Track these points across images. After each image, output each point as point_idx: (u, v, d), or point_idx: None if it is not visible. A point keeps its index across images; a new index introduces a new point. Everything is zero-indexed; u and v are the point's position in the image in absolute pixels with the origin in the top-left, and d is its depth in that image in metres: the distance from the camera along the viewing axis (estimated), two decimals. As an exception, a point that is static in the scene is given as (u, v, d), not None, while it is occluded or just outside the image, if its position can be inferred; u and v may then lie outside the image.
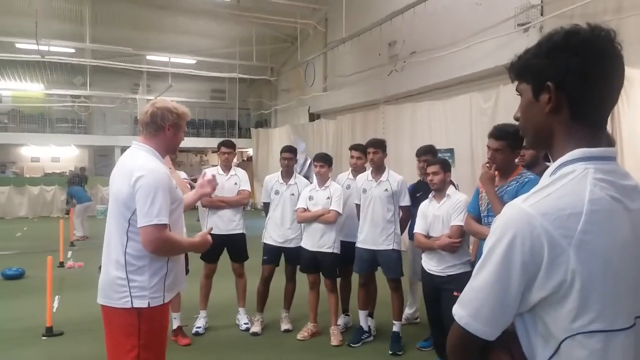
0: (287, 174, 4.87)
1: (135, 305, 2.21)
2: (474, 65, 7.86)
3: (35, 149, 19.68)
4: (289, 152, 4.90)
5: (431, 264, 3.69)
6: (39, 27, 11.95)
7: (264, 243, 4.85)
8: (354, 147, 4.86)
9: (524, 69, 1.07)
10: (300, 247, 4.69)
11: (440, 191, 3.75)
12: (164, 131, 2.36)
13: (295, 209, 4.67)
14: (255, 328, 4.78)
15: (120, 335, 2.25)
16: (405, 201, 4.41)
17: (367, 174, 4.52)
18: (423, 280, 3.92)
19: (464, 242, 3.58)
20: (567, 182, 0.96)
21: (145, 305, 2.22)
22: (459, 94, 8.35)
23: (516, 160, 3.18)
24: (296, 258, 4.75)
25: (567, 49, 0.98)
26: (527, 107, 1.08)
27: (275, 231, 4.79)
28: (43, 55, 13.43)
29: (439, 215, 3.69)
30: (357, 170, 4.78)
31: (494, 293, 0.97)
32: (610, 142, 2.83)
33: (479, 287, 0.99)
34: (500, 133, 3.01)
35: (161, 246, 2.23)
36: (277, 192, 4.82)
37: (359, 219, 4.53)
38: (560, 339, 0.94)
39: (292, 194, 4.78)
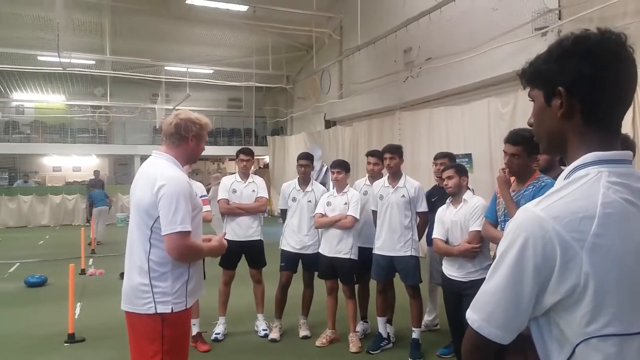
0: (304, 180, 4.89)
1: (159, 311, 2.24)
2: (491, 70, 7.81)
3: (57, 159, 20.06)
4: (306, 159, 4.91)
5: (452, 270, 3.66)
6: (61, 39, 12.19)
7: (282, 250, 4.87)
8: (370, 154, 4.87)
9: (535, 75, 1.07)
10: (317, 253, 4.70)
11: (456, 196, 3.73)
12: (187, 142, 2.42)
13: (313, 215, 4.68)
14: (274, 334, 4.79)
15: (143, 341, 2.28)
16: (423, 207, 4.39)
17: (384, 180, 4.51)
18: (443, 286, 3.89)
19: (484, 247, 3.55)
20: (580, 186, 0.96)
21: (169, 311, 2.25)
22: (476, 99, 8.31)
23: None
24: (314, 264, 4.75)
25: (577, 54, 0.98)
26: (539, 112, 1.09)
27: (293, 238, 4.80)
28: (64, 67, 13.70)
29: (456, 220, 3.67)
30: (374, 176, 4.78)
31: (507, 297, 0.97)
32: (628, 145, 2.78)
33: (491, 290, 0.99)
34: (516, 138, 2.99)
35: (185, 253, 2.28)
36: (294, 199, 4.83)
37: (375, 226, 4.52)
38: (575, 343, 0.93)
39: (309, 201, 4.80)
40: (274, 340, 4.74)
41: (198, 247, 2.38)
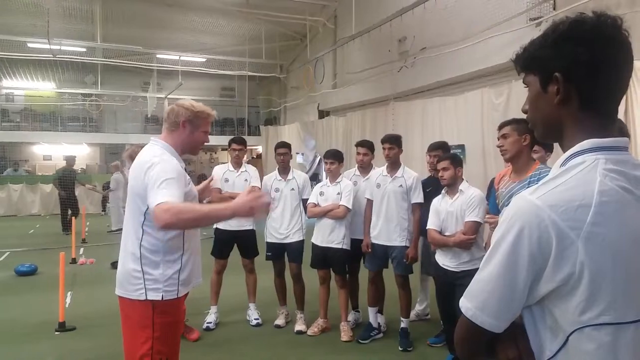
0: (284, 169, 4.88)
1: (149, 298, 2.25)
2: (485, 60, 7.79)
3: (47, 147, 19.87)
4: (284, 147, 4.90)
5: (445, 260, 3.67)
6: (51, 26, 12.03)
7: (267, 242, 4.86)
8: (360, 144, 4.84)
9: (531, 61, 1.06)
10: (302, 241, 4.74)
11: (451, 187, 3.73)
12: (179, 127, 2.41)
13: (307, 204, 4.71)
14: (279, 321, 4.84)
15: (135, 327, 2.29)
16: (418, 198, 4.36)
17: (382, 169, 4.50)
18: (436, 276, 3.90)
19: (478, 238, 3.56)
20: (577, 173, 0.95)
21: (159, 298, 2.26)
22: (470, 90, 8.28)
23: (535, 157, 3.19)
24: (299, 254, 4.77)
25: (573, 39, 0.97)
26: (535, 99, 1.07)
27: (276, 229, 4.78)
28: (55, 55, 13.51)
29: (452, 211, 3.67)
30: (364, 166, 4.76)
31: (501, 285, 0.96)
32: (623, 132, 2.78)
33: (486, 279, 0.98)
34: (505, 120, 3.15)
35: (174, 217, 2.01)
36: (277, 190, 4.82)
37: (366, 214, 4.49)
38: (569, 332, 0.93)
39: (292, 189, 4.80)
40: (278, 327, 4.79)
41: (191, 208, 2.12)
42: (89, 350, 4.29)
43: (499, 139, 3.10)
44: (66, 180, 11.78)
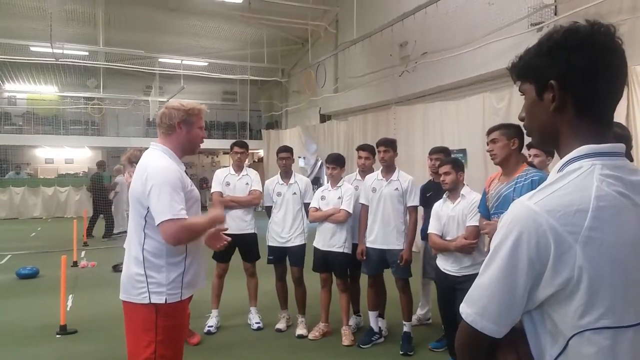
0: (286, 174, 4.88)
1: (152, 301, 2.25)
2: (486, 65, 7.82)
3: (49, 151, 19.90)
4: (286, 152, 4.90)
5: (446, 264, 3.66)
6: (53, 30, 12.08)
7: (268, 246, 4.87)
8: (361, 147, 4.83)
9: (526, 69, 1.07)
10: (304, 245, 4.74)
11: (453, 191, 3.73)
12: (175, 129, 2.41)
13: (300, 207, 4.73)
14: (280, 325, 4.83)
15: (138, 331, 2.29)
16: (414, 201, 4.36)
17: (377, 173, 4.50)
18: (437, 280, 3.90)
19: (479, 242, 3.56)
20: (574, 179, 0.96)
21: (163, 302, 2.26)
22: (471, 95, 8.31)
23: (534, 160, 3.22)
24: (300, 258, 4.77)
25: (567, 47, 0.98)
26: (531, 106, 1.08)
27: (278, 233, 4.79)
28: (57, 58, 13.57)
29: (453, 215, 3.67)
30: (365, 170, 4.76)
31: (501, 290, 0.97)
32: (621, 137, 2.80)
33: (485, 284, 0.99)
34: (494, 126, 3.26)
35: (182, 235, 2.24)
36: (279, 194, 4.82)
37: (360, 220, 4.48)
38: (569, 336, 0.94)
39: (294, 193, 4.80)
40: (279, 331, 4.79)
41: (192, 225, 2.29)
42: (90, 354, 4.28)
43: (488, 144, 3.21)
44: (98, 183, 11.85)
